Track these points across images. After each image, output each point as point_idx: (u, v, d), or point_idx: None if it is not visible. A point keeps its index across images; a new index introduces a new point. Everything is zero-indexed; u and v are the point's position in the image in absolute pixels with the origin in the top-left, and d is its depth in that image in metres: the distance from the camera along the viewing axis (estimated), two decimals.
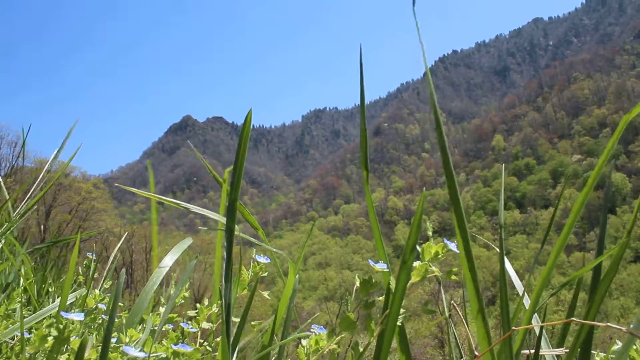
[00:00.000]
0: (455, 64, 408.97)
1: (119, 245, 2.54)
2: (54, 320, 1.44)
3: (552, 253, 1.23)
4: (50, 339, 1.24)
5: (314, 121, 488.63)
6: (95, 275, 2.54)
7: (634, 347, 1.26)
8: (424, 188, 0.98)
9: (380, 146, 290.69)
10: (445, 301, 1.68)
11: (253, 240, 1.39)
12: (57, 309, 1.69)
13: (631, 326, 1.36)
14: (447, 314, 1.64)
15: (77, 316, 1.25)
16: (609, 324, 0.98)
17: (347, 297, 1.16)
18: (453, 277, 1.18)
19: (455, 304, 1.49)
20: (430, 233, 1.20)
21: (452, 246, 1.18)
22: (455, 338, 1.59)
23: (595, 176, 1.20)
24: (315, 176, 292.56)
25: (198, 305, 1.62)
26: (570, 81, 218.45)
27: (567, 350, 1.22)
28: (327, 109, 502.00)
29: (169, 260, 1.54)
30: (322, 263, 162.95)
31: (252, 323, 1.65)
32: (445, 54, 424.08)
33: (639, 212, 1.13)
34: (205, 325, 1.60)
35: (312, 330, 1.42)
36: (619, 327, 0.94)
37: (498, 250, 1.29)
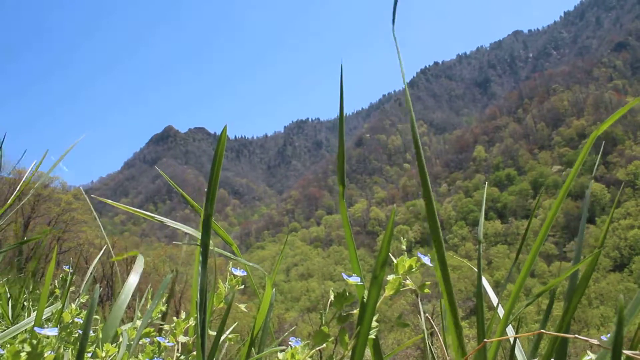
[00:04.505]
0: (437, 76, 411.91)
1: (97, 257, 2.52)
2: (28, 335, 1.42)
3: (524, 266, 1.25)
4: (23, 354, 1.23)
5: (296, 132, 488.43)
6: (73, 288, 2.51)
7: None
8: (395, 205, 0.99)
9: (362, 157, 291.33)
10: (422, 314, 1.69)
11: (228, 255, 1.40)
12: (32, 324, 1.67)
13: (603, 338, 1.38)
14: (424, 327, 1.65)
15: (50, 331, 1.25)
16: (577, 335, 1.00)
17: (321, 310, 1.17)
18: (426, 290, 1.19)
19: (430, 317, 1.50)
20: (404, 247, 1.22)
21: (426, 260, 1.19)
22: (432, 351, 1.60)
23: (566, 189, 1.23)
24: (297, 187, 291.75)
25: (175, 319, 1.62)
26: (549, 93, 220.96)
27: None
28: (310, 119, 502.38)
29: (133, 280, 1.54)
30: (304, 274, 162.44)
31: (230, 336, 1.65)
32: (427, 66, 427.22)
33: (611, 224, 1.15)
34: (182, 339, 1.60)
35: (289, 342, 1.42)
36: (586, 338, 0.96)
37: (477, 261, 1.31)
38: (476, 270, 1.35)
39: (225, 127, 1.13)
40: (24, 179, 2.80)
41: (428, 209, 1.11)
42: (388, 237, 1.01)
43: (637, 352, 0.89)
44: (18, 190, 2.41)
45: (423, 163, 1.05)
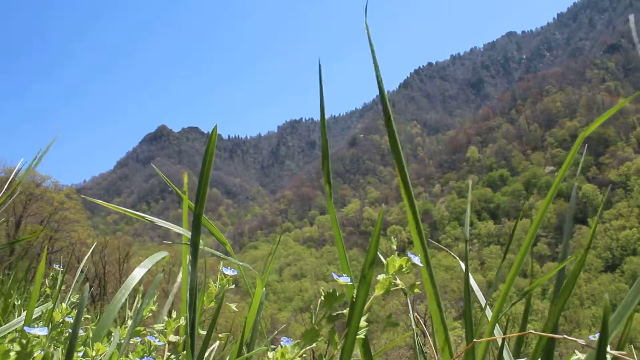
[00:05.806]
0: (431, 76, 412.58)
1: (87, 256, 2.51)
2: (18, 335, 1.42)
3: (513, 266, 1.25)
4: (12, 354, 1.22)
5: (289, 132, 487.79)
6: (64, 287, 2.50)
7: None
8: (384, 204, 1.00)
9: (355, 157, 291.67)
10: (412, 314, 1.70)
11: (219, 254, 1.40)
12: (22, 323, 1.67)
13: (591, 338, 1.39)
14: (414, 327, 1.65)
15: (40, 331, 1.24)
16: (565, 336, 1.00)
17: (311, 310, 1.17)
18: (416, 290, 1.19)
19: (419, 318, 1.50)
20: (394, 247, 1.22)
21: (416, 260, 1.20)
22: (423, 352, 1.61)
23: (554, 189, 1.23)
24: (291, 187, 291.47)
25: (165, 318, 1.62)
26: (542, 94, 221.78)
27: None
28: (303, 119, 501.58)
29: (139, 273, 1.52)
30: (297, 274, 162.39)
31: (220, 335, 1.65)
32: (421, 66, 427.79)
33: (599, 226, 1.16)
34: (172, 338, 1.59)
35: (280, 342, 1.42)
36: (573, 339, 0.96)
37: (470, 262, 1.32)
38: (464, 271, 1.36)
39: (216, 126, 1.13)
40: (13, 175, 2.79)
41: (411, 213, 1.11)
42: (376, 236, 1.02)
43: (623, 352, 0.89)
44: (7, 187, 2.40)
45: (407, 176, 1.06)
